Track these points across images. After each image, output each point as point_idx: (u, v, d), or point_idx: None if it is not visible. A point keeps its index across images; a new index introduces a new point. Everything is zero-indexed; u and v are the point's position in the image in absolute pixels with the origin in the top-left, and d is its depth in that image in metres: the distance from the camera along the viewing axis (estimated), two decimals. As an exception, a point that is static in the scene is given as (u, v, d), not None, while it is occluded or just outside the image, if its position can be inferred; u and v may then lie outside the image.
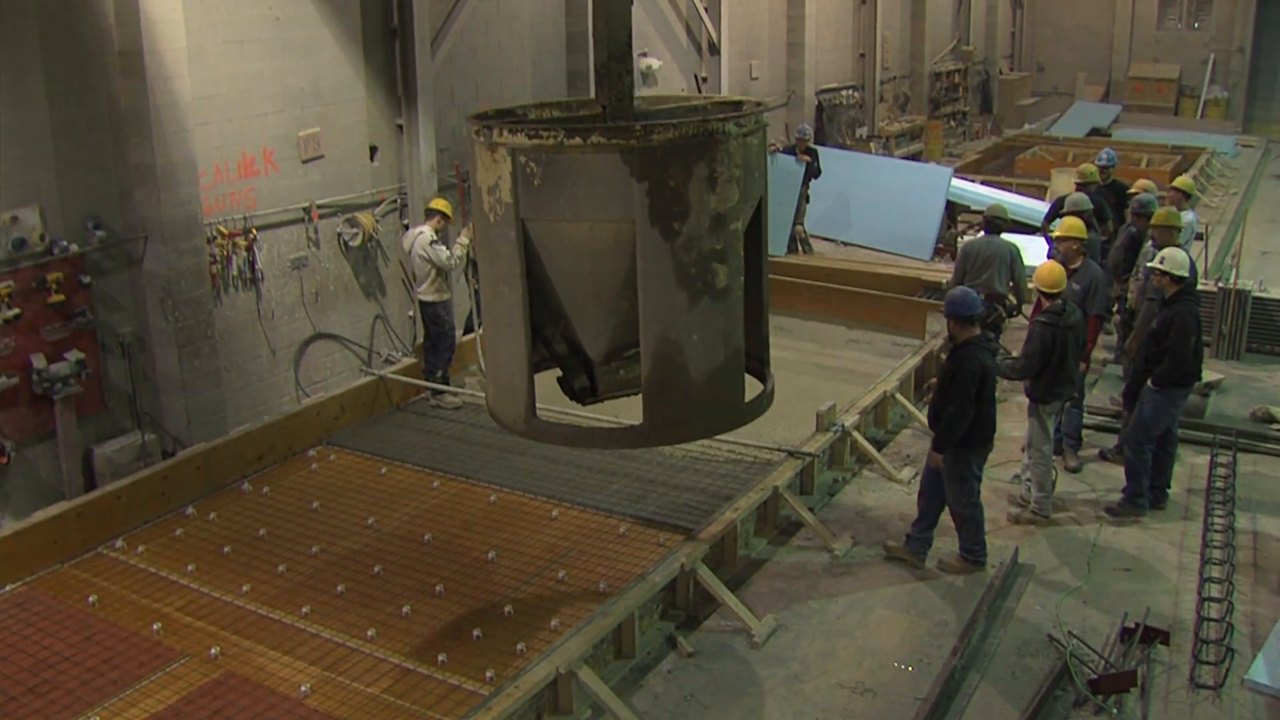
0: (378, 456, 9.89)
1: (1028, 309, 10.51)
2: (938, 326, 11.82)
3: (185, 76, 9.25)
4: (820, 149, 16.85)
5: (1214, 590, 7.41)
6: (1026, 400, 8.71)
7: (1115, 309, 11.78)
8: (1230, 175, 22.38)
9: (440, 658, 6.90)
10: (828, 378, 12.11)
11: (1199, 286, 10.99)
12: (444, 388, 11.00)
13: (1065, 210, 11.12)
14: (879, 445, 9.97)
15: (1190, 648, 6.90)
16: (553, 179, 5.39)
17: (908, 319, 13.23)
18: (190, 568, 8.06)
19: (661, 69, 16.55)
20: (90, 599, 7.63)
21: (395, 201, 12.02)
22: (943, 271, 14.40)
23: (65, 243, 8.76)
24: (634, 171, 5.30)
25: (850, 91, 23.26)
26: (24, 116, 8.48)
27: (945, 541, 8.12)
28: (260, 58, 10.34)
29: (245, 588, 7.79)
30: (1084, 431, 9.79)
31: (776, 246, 15.29)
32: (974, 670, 6.80)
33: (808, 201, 16.11)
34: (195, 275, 9.55)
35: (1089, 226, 11.07)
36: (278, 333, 10.82)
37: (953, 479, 7.84)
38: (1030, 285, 9.21)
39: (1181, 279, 8.44)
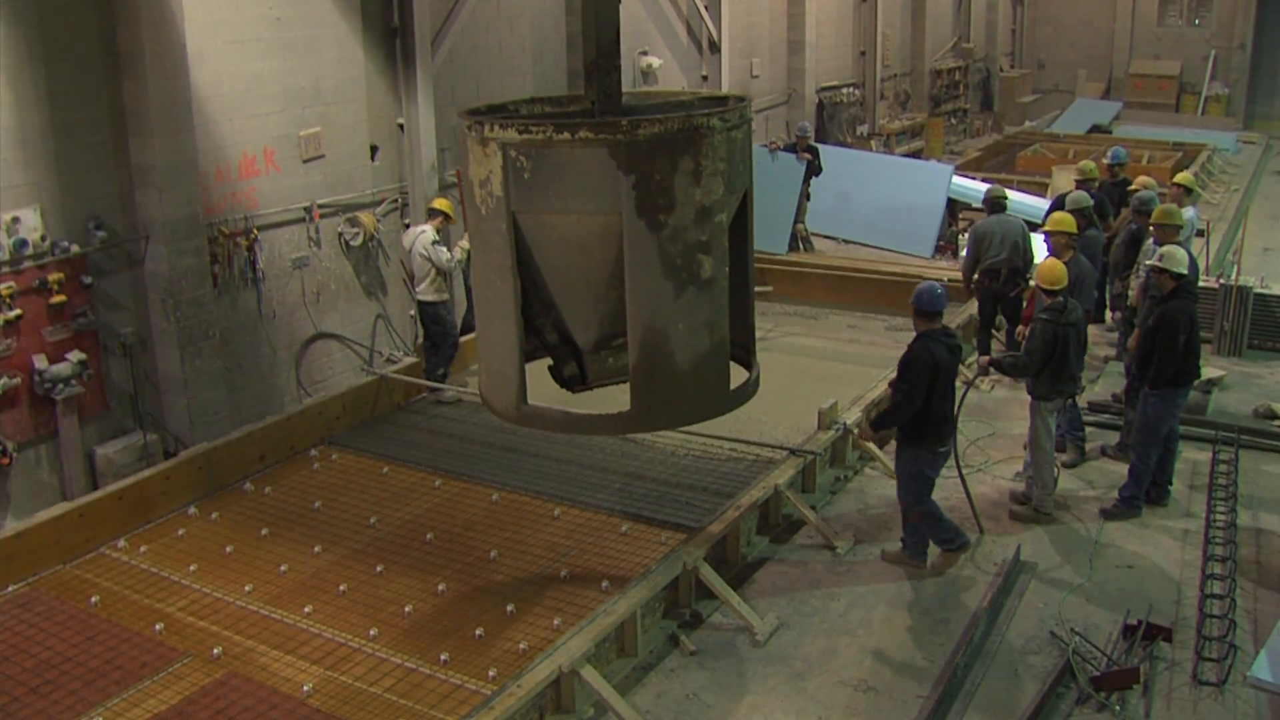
0: (379, 456, 9.88)
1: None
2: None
3: (186, 76, 9.27)
4: (821, 147, 16.82)
5: (1216, 587, 7.40)
6: (1028, 398, 8.69)
7: (1116, 306, 11.81)
8: (1231, 172, 22.34)
9: (443, 657, 6.90)
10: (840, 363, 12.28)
11: (1200, 283, 11.00)
12: (444, 386, 10.99)
13: (1067, 208, 11.12)
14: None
15: (1193, 644, 6.89)
16: (542, 172, 5.47)
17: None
18: (192, 568, 8.07)
19: (662, 67, 16.57)
20: (93, 599, 7.64)
21: (396, 201, 12.03)
22: (944, 269, 14.37)
23: (66, 243, 8.77)
24: (621, 165, 5.40)
25: (851, 89, 23.26)
26: (25, 117, 8.48)
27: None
28: (261, 57, 10.35)
29: (247, 587, 7.79)
30: (1087, 429, 9.76)
31: (778, 244, 15.31)
32: (976, 668, 6.79)
33: (809, 200, 16.09)
34: (196, 275, 9.56)
35: (1090, 224, 11.10)
36: (279, 332, 10.82)
37: (902, 476, 7.81)
38: (1032, 283, 9.21)
39: (1180, 276, 8.42)
